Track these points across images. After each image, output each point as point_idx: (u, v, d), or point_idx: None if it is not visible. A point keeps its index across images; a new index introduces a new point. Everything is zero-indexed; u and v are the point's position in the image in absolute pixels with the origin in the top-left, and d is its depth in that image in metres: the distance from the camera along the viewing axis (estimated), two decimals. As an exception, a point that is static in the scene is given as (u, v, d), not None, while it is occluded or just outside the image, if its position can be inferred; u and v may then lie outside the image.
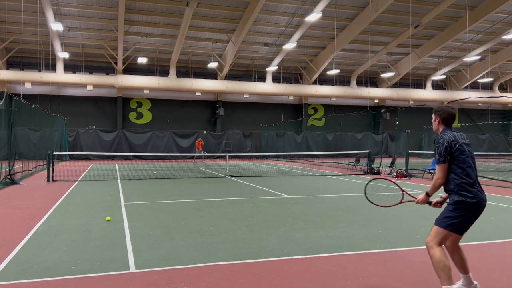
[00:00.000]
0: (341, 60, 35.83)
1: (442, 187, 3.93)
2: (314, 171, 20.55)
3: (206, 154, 27.62)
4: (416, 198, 4.07)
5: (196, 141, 30.26)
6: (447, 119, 3.97)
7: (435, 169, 13.79)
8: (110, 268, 4.83)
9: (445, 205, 3.96)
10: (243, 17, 28.37)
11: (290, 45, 28.37)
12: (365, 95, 38.69)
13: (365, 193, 4.76)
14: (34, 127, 22.68)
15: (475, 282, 3.98)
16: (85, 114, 34.17)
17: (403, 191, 4.26)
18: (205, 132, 33.42)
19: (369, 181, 4.93)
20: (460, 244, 4.00)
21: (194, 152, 30.47)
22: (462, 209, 3.73)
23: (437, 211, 4.02)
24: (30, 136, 25.04)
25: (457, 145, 3.82)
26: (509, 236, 6.55)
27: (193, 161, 30.16)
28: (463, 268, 3.99)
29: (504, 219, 7.92)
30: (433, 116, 4.06)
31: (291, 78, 38.74)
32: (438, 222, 3.83)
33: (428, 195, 4.01)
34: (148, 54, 33.13)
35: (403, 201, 4.22)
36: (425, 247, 3.88)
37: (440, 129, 4.02)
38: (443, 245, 3.83)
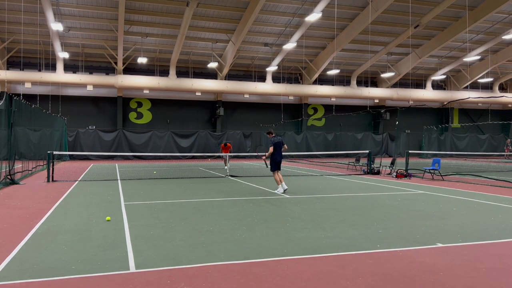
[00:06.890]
0: (341, 60, 35.81)
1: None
2: (314, 171, 20.55)
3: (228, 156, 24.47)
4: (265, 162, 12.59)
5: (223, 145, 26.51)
6: (269, 134, 12.49)
7: (435, 169, 14.64)
8: (110, 268, 4.83)
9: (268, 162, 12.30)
10: (243, 17, 28.36)
11: (290, 45, 28.36)
12: (365, 95, 38.67)
13: (266, 165, 12.21)
14: (34, 127, 22.65)
15: (285, 187, 11.79)
16: (85, 114, 34.16)
17: (265, 161, 12.48)
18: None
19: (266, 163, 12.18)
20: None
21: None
22: (271, 162, 12.13)
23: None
24: (30, 136, 25.00)
25: (275, 142, 12.05)
26: (509, 236, 6.54)
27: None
28: (281, 180, 11.78)
29: (504, 219, 7.92)
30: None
31: (291, 78, 38.72)
32: (271, 168, 12.27)
33: (265, 156, 12.36)
34: (148, 54, 33.12)
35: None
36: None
37: (272, 136, 12.36)
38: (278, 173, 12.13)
